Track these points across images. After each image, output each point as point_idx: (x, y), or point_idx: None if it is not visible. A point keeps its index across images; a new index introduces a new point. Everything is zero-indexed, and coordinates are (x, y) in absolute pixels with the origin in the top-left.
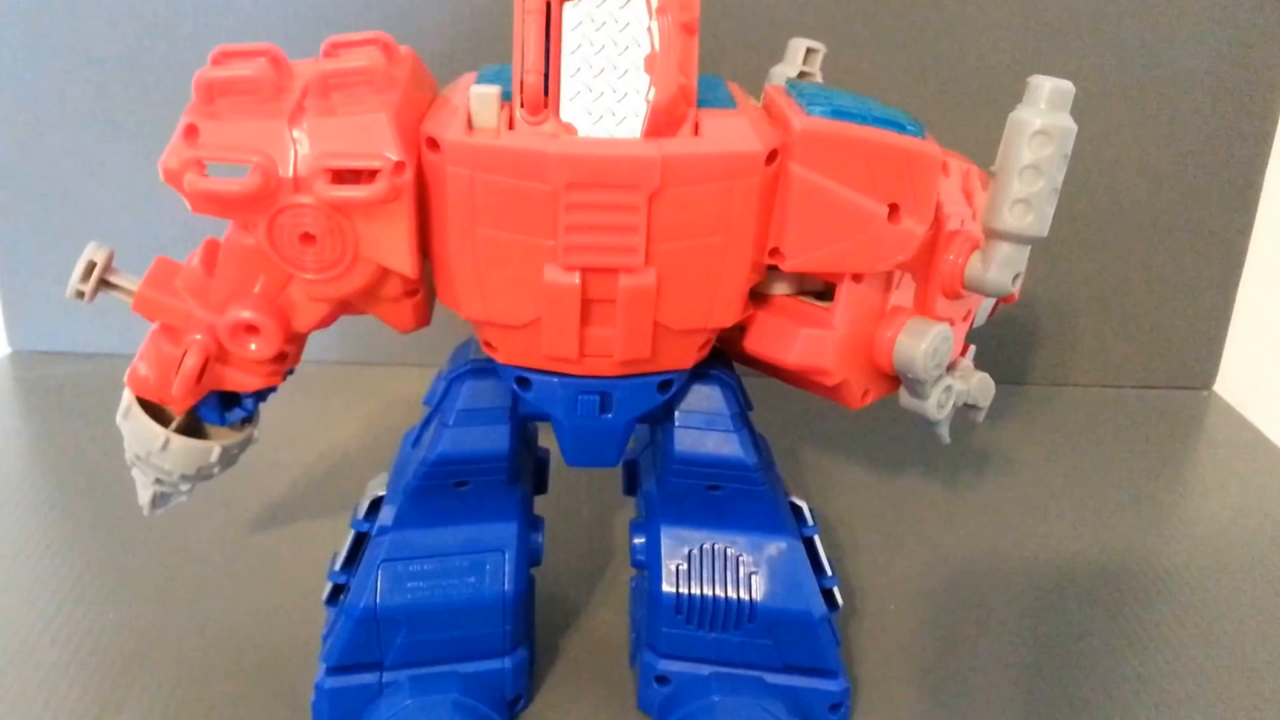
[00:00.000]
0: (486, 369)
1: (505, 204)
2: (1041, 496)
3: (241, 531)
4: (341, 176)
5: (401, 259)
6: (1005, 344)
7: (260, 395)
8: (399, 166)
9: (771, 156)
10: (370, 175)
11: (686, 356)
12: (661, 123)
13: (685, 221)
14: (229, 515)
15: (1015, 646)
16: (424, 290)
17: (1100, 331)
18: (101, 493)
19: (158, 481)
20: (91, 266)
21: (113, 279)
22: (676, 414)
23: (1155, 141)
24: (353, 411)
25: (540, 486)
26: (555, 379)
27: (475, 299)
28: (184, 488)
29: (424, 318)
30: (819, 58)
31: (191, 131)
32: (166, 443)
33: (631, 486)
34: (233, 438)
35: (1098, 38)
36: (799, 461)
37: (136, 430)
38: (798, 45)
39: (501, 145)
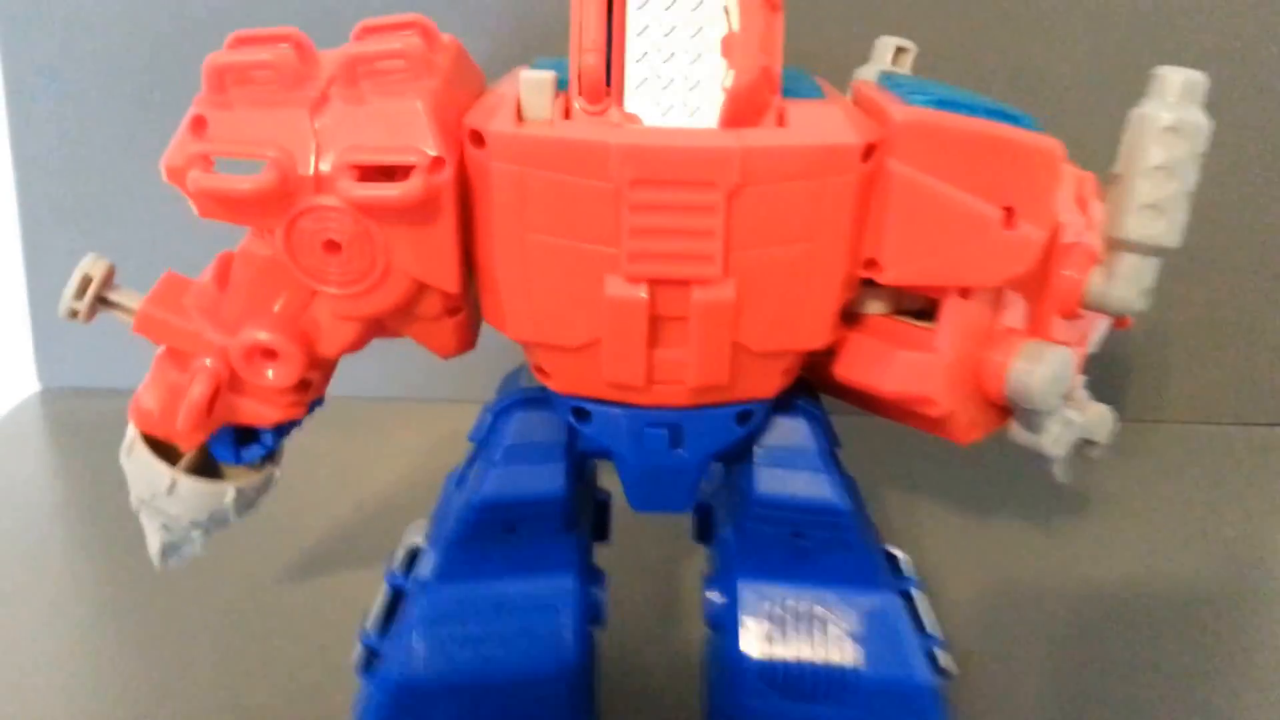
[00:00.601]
0: (538, 399)
1: (560, 205)
2: (1146, 539)
3: (264, 584)
4: (371, 174)
5: (440, 271)
6: (1094, 376)
7: (281, 430)
8: (436, 163)
9: (868, 152)
10: (404, 172)
11: (769, 384)
12: (741, 111)
13: (769, 226)
14: (251, 566)
15: (1152, 706)
16: (468, 308)
17: (1197, 363)
18: (130, 539)
19: (165, 528)
20: (86, 282)
21: (111, 296)
22: (757, 451)
23: (1262, 158)
24: (390, 451)
25: (601, 533)
26: (618, 410)
27: (524, 317)
28: (195, 536)
29: (467, 340)
30: (909, 58)
31: (199, 124)
32: (174, 484)
33: (704, 534)
34: (250, 479)
35: (1213, 39)
36: (883, 504)
37: (140, 470)
38: (885, 44)
39: (555, 136)
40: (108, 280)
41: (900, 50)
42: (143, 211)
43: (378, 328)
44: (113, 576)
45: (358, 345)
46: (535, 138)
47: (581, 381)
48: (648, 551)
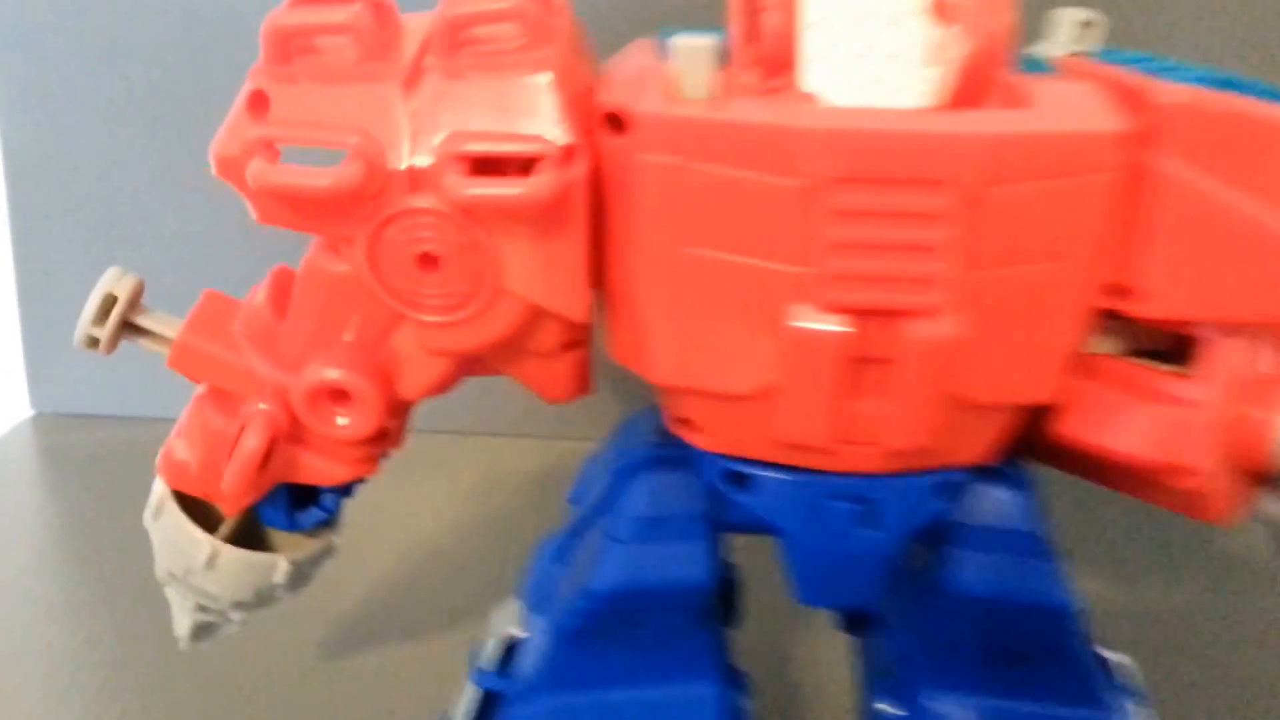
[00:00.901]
0: (674, 457)
1: (730, 211)
2: None
3: (306, 658)
4: (479, 169)
5: (565, 294)
6: None
7: (346, 490)
8: (568, 153)
9: (1130, 142)
10: (524, 166)
11: (979, 446)
12: (969, 88)
13: (1010, 240)
14: (288, 634)
15: None
16: (589, 342)
17: None
18: (131, 584)
19: (200, 609)
20: (111, 303)
21: (140, 320)
22: (955, 531)
23: None
24: (439, 492)
25: (730, 617)
26: (790, 476)
27: (673, 356)
28: (235, 617)
29: (584, 382)
30: (1098, 33)
31: (259, 101)
32: (213, 556)
33: (856, 624)
34: (306, 549)
35: None
36: None
37: (172, 538)
38: (1067, 17)
39: (729, 119)
40: (135, 301)
41: (1086, 24)
42: (156, 224)
43: (473, 364)
44: (105, 642)
45: (445, 386)
46: (701, 121)
47: (743, 439)
48: (780, 636)
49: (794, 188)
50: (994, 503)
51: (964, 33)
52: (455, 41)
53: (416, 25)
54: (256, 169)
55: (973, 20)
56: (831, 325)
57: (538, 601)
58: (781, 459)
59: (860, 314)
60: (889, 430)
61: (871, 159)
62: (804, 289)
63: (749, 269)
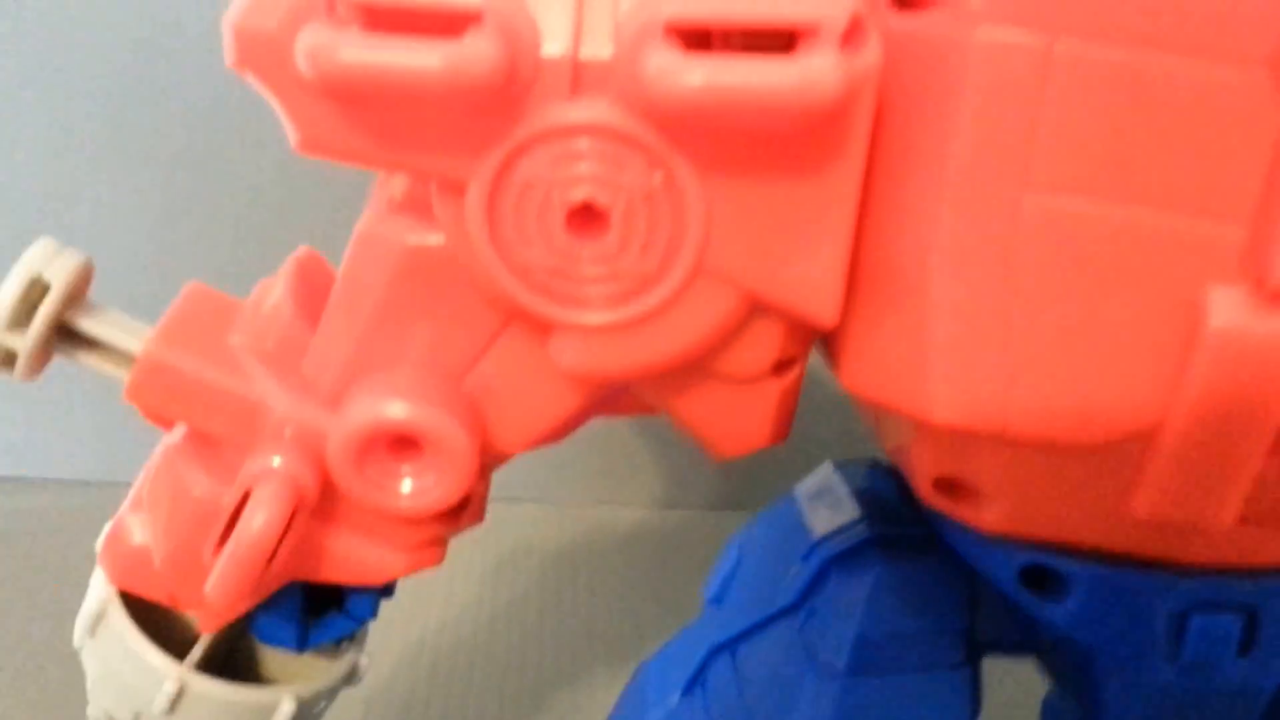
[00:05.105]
0: (920, 541)
1: (1127, 127)
2: None
3: None
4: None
5: (814, 279)
6: None
7: (388, 590)
8: (858, 26)
9: None
10: (783, 43)
11: None
12: None
13: None
14: None
15: None
16: (805, 359)
17: None
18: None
19: None
20: (37, 293)
21: (84, 324)
22: None
23: None
24: (450, 571)
25: None
26: (1135, 576)
27: (979, 379)
28: None
29: (786, 423)
30: None
31: None
32: (180, 693)
33: None
34: (320, 676)
35: None
36: None
37: (116, 665)
38: None
39: None
40: (78, 294)
41: None
42: (112, 199)
43: (615, 399)
44: None
45: (564, 433)
46: None
47: (1063, 515)
48: None
49: (1258, 84)
50: None
51: None
52: None
53: None
54: (315, 43)
55: None
56: None
57: None
58: (1122, 546)
59: None
60: None
61: None
62: (1244, 264)
63: (1146, 230)
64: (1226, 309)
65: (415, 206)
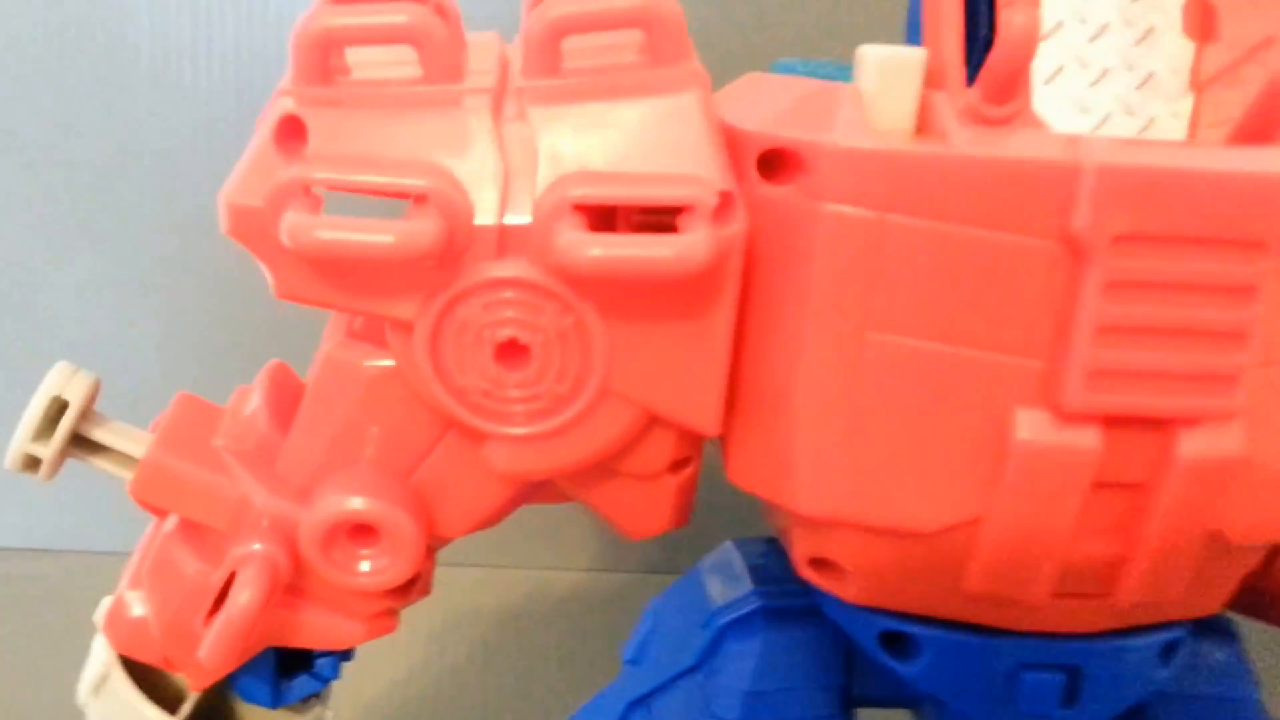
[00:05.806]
0: (800, 609)
1: (945, 282)
2: None
3: None
4: (596, 224)
5: (697, 398)
6: None
7: (348, 654)
8: (726, 202)
9: None
10: (663, 221)
11: (1217, 595)
12: (1265, 120)
13: None
14: None
15: None
16: (699, 458)
17: None
18: None
19: None
20: (59, 409)
21: (95, 433)
22: (1163, 704)
23: None
24: (402, 635)
25: None
26: (975, 639)
27: (832, 479)
28: None
29: (685, 510)
30: None
31: (293, 128)
32: None
33: None
34: None
35: None
36: None
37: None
38: None
39: (961, 154)
40: (88, 408)
41: None
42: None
43: (538, 489)
44: None
45: (496, 519)
46: (912, 157)
47: (911, 589)
48: None
49: (1046, 250)
50: (1210, 663)
51: None
52: (554, 55)
53: (477, 42)
54: (295, 223)
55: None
56: (1080, 439)
57: None
58: (962, 615)
59: (1113, 424)
60: (1128, 579)
61: (1169, 209)
62: (1042, 390)
63: (963, 362)
64: (1029, 425)
65: (370, 335)
